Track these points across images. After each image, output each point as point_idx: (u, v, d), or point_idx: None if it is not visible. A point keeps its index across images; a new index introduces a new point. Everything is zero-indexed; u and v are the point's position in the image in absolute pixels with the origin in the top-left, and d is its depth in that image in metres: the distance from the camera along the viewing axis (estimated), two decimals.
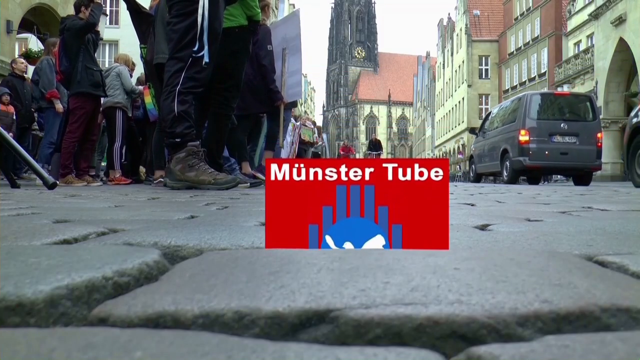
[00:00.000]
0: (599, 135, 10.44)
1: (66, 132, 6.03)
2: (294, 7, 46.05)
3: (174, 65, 3.65)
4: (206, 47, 3.64)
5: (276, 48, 5.79)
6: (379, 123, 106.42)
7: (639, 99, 13.83)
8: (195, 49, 3.61)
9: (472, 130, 14.13)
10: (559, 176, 14.57)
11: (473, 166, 13.80)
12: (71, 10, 7.70)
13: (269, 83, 5.60)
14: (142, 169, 8.23)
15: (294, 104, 7.08)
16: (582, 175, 10.79)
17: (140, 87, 7.61)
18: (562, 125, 10.44)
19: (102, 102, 6.53)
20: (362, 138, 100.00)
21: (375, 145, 21.67)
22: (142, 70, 6.92)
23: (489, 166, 12.50)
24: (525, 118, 10.43)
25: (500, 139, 11.45)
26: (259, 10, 4.48)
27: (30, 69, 10.28)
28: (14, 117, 8.95)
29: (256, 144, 6.35)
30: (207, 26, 3.64)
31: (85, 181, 6.09)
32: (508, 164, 10.88)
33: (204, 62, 3.63)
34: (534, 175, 11.36)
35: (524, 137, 10.29)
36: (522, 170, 10.75)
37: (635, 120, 7.20)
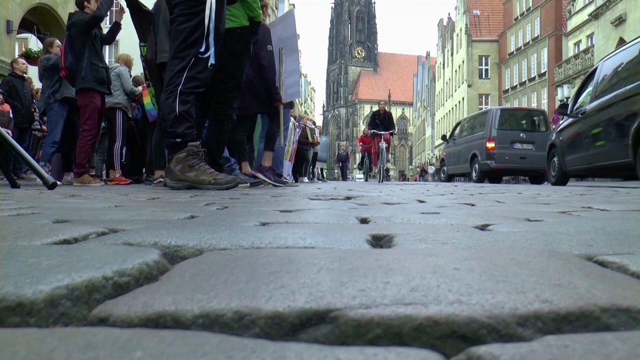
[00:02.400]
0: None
1: (81, 130, 6.00)
2: (294, 7, 46.09)
3: (176, 65, 3.65)
4: (212, 49, 3.64)
5: (273, 48, 5.78)
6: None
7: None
8: (202, 49, 3.60)
9: (443, 137, 16.90)
10: (521, 177, 16.89)
11: (444, 168, 16.58)
12: (71, 10, 7.70)
13: (268, 83, 5.60)
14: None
15: (291, 104, 7.07)
16: (537, 176, 12.76)
17: (140, 89, 7.61)
18: (521, 135, 12.81)
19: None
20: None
21: (384, 118, 13.68)
22: (140, 70, 6.91)
23: (459, 168, 14.85)
24: (491, 128, 12.82)
25: (471, 145, 13.72)
26: (261, 11, 4.48)
27: (30, 69, 10.29)
28: (10, 116, 8.95)
29: (253, 143, 6.35)
30: (213, 27, 3.64)
31: (101, 181, 6.09)
32: (477, 166, 13.30)
33: (209, 64, 3.63)
34: (498, 175, 13.60)
35: (490, 144, 12.68)
36: (488, 171, 13.02)
37: (552, 137, 9.25)
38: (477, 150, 13.17)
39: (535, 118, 13.75)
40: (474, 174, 13.21)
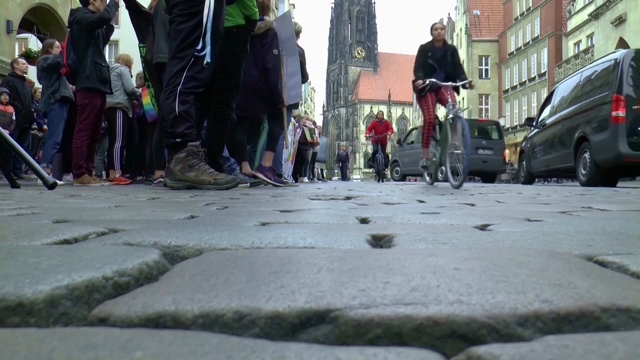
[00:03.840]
0: (504, 149, 15.83)
1: (76, 130, 5.96)
2: (294, 7, 46.05)
3: (175, 65, 3.65)
4: (208, 47, 3.64)
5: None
6: None
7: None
8: (199, 47, 3.60)
9: (398, 141, 19.11)
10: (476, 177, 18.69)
11: (397, 168, 18.32)
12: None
13: (271, 86, 5.60)
14: None
15: (294, 105, 7.06)
16: (491, 176, 15.75)
17: (140, 90, 7.62)
18: (482, 142, 15.13)
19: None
20: (362, 138, 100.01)
21: (444, 55, 6.53)
22: (139, 71, 6.91)
23: (415, 170, 16.72)
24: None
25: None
26: (257, 10, 4.48)
27: (31, 69, 10.28)
28: (13, 117, 8.94)
29: (257, 143, 6.34)
30: (210, 26, 3.64)
31: (101, 181, 6.07)
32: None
33: (205, 62, 3.63)
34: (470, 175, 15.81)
35: None
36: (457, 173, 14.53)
37: (523, 144, 11.13)
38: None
39: (489, 127, 16.34)
40: (440, 175, 14.63)
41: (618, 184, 8.13)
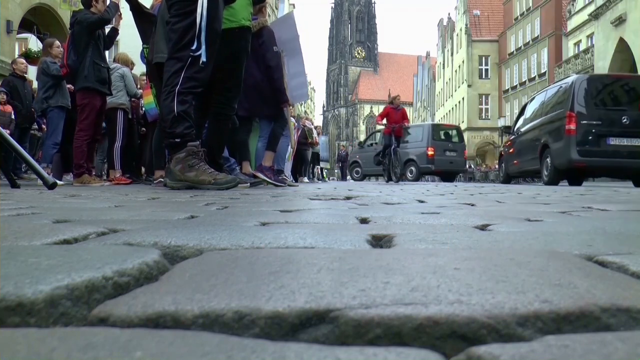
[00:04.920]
0: (465, 151, 17.77)
1: (76, 130, 5.98)
2: (294, 7, 46.04)
3: (173, 65, 3.65)
4: (204, 47, 3.64)
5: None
6: None
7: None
8: (194, 47, 3.60)
9: (359, 144, 20.69)
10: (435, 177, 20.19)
11: (358, 169, 19.74)
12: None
13: (275, 84, 5.58)
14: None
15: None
16: (452, 176, 17.38)
17: (140, 91, 7.62)
18: (448, 145, 16.96)
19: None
20: (362, 138, 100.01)
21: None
22: (140, 70, 6.90)
23: (376, 170, 18.34)
24: (429, 139, 16.57)
25: (410, 152, 16.91)
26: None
27: (31, 69, 10.29)
28: (12, 117, 8.94)
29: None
30: (205, 26, 3.63)
31: (101, 181, 6.07)
32: (415, 169, 16.96)
33: (201, 62, 3.63)
34: (436, 175, 17.76)
35: (430, 152, 16.35)
36: (430, 172, 17.31)
37: (502, 149, 13.49)
38: (415, 156, 16.65)
39: (452, 131, 18.00)
40: (409, 175, 16.68)
41: (583, 183, 9.75)
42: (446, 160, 16.70)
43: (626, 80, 9.55)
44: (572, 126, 8.66)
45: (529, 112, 11.23)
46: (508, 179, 12.33)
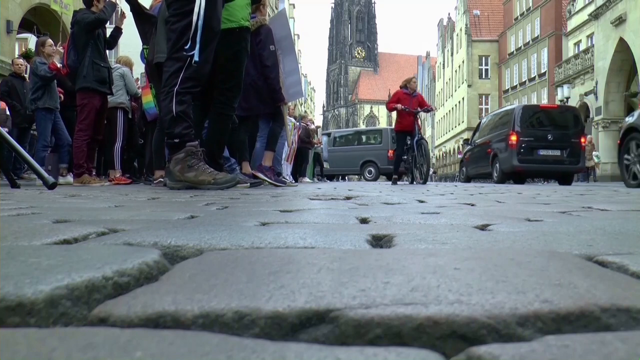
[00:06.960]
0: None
1: (76, 130, 5.97)
2: (294, 7, 46.01)
3: (172, 66, 3.65)
4: (197, 46, 3.63)
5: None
6: (379, 123, 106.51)
7: (639, 100, 15.11)
8: (187, 47, 3.60)
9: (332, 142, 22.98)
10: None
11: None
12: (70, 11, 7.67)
13: (272, 83, 5.59)
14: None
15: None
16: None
17: (140, 91, 7.61)
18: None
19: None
20: None
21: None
22: (140, 71, 6.89)
23: (348, 170, 21.01)
24: (390, 142, 17.89)
25: (363, 154, 19.45)
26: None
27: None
28: (7, 113, 8.92)
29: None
30: (201, 25, 3.63)
31: (101, 181, 6.06)
32: (373, 169, 19.16)
33: (193, 61, 3.62)
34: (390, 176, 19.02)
35: (389, 153, 18.20)
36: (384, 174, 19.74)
37: (462, 156, 17.15)
38: (375, 158, 19.03)
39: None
40: (367, 175, 19.39)
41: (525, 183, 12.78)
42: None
43: (550, 110, 13.47)
44: (514, 141, 12.02)
45: (483, 127, 14.74)
46: (467, 179, 15.63)
